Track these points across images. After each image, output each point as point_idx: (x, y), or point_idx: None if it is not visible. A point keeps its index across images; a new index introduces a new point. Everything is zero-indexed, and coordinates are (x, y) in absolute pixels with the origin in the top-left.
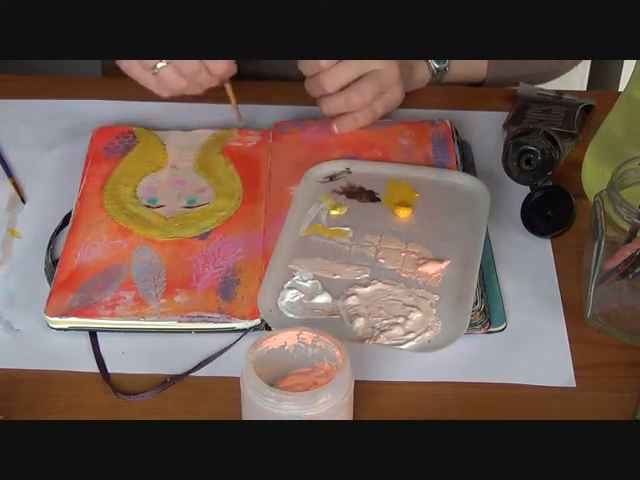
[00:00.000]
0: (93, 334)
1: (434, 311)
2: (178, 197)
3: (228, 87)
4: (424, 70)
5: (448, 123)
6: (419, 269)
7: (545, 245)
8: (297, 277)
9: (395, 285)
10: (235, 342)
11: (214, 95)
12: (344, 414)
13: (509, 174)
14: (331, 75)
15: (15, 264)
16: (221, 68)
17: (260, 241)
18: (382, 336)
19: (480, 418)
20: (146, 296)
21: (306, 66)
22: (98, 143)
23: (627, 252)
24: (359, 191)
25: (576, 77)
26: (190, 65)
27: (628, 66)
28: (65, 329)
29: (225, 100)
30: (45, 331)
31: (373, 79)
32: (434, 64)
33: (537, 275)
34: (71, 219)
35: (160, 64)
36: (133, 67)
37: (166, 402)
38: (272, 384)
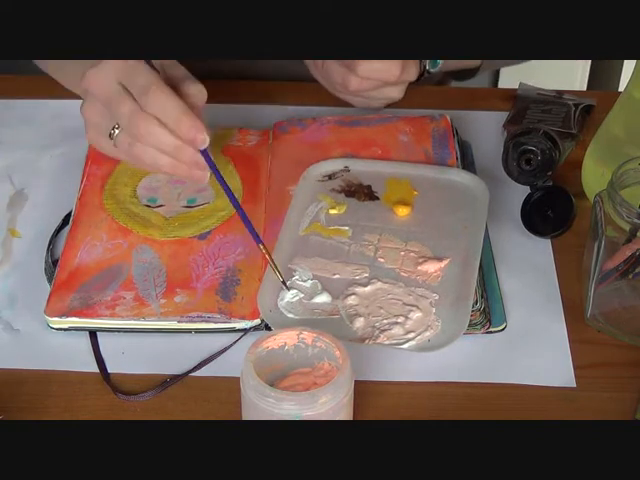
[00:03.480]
0: (93, 334)
1: (434, 310)
2: (178, 197)
3: (262, 248)
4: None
5: (448, 118)
6: (418, 268)
7: (545, 245)
8: (297, 277)
9: (395, 284)
10: (235, 342)
11: (214, 95)
12: (344, 414)
13: (509, 174)
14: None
15: (15, 264)
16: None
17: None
18: (382, 336)
19: (480, 418)
20: (146, 296)
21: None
22: None
23: (627, 252)
24: (358, 189)
25: (576, 77)
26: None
27: (628, 66)
28: (65, 329)
29: (225, 100)
30: (45, 331)
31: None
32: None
33: (537, 275)
34: (71, 219)
35: (114, 130)
36: (96, 140)
37: (166, 402)
38: (272, 384)
